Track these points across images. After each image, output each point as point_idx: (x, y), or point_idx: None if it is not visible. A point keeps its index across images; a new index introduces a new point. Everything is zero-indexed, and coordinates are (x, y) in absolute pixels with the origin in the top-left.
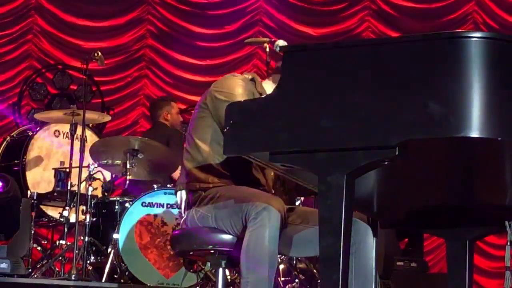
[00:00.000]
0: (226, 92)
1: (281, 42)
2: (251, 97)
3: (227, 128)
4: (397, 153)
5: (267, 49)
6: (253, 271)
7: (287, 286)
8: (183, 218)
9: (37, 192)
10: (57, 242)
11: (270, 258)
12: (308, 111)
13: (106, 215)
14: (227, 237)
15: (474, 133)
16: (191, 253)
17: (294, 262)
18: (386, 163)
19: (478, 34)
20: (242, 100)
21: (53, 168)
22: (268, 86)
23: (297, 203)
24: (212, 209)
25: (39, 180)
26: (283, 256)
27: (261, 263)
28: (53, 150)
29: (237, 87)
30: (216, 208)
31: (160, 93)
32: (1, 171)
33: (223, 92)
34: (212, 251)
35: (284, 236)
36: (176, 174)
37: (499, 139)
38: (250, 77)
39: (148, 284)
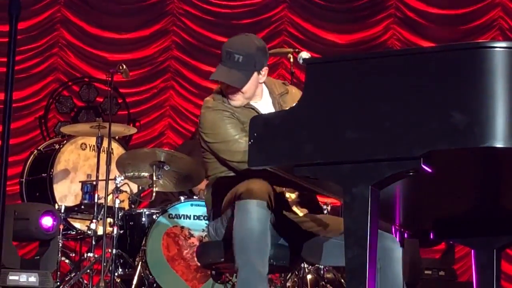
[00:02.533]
0: (213, 134)
1: (304, 54)
2: (232, 117)
3: (251, 140)
4: (421, 163)
5: (291, 59)
6: (240, 255)
7: None
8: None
9: (64, 205)
10: (85, 255)
11: (256, 240)
12: (332, 123)
13: (133, 227)
14: None
15: (499, 143)
16: (213, 266)
17: (322, 272)
18: (411, 174)
19: (502, 44)
20: (266, 114)
21: (80, 181)
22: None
23: (325, 212)
24: (220, 221)
25: (66, 193)
26: (310, 266)
27: (246, 246)
28: (80, 163)
29: (219, 123)
30: (222, 219)
31: (186, 104)
32: (29, 185)
33: (210, 134)
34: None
35: (312, 245)
36: (201, 186)
37: None
38: (217, 97)
39: None
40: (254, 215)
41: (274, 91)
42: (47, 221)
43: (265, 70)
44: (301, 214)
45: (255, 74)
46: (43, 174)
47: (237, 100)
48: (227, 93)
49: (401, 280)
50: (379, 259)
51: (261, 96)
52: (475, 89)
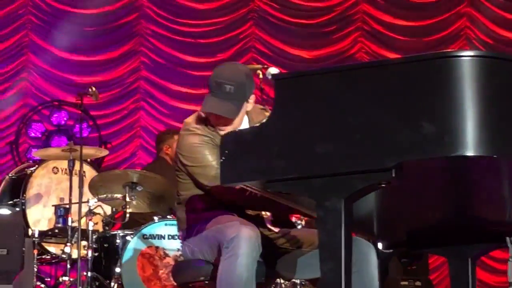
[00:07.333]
0: (190, 157)
1: (273, 70)
2: (211, 143)
3: (223, 158)
4: (393, 175)
5: (260, 75)
6: None
7: None
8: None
9: (38, 230)
10: (61, 279)
11: (243, 286)
12: (302, 137)
13: (108, 249)
14: None
15: (469, 151)
16: (190, 285)
17: (299, 287)
18: (383, 185)
19: (469, 53)
20: (237, 130)
21: (53, 205)
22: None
23: (299, 227)
24: (196, 242)
25: (40, 217)
26: (287, 282)
27: None
28: (52, 187)
29: (197, 148)
30: (199, 240)
31: (156, 124)
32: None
33: (188, 157)
34: (206, 282)
35: (286, 259)
36: None
37: (494, 156)
38: (199, 121)
39: None
40: (243, 261)
41: (253, 118)
42: None
43: (252, 98)
44: (276, 231)
45: (245, 103)
46: (15, 200)
47: (226, 130)
48: (217, 124)
49: (377, 283)
50: (355, 263)
51: (241, 124)
52: (444, 98)
